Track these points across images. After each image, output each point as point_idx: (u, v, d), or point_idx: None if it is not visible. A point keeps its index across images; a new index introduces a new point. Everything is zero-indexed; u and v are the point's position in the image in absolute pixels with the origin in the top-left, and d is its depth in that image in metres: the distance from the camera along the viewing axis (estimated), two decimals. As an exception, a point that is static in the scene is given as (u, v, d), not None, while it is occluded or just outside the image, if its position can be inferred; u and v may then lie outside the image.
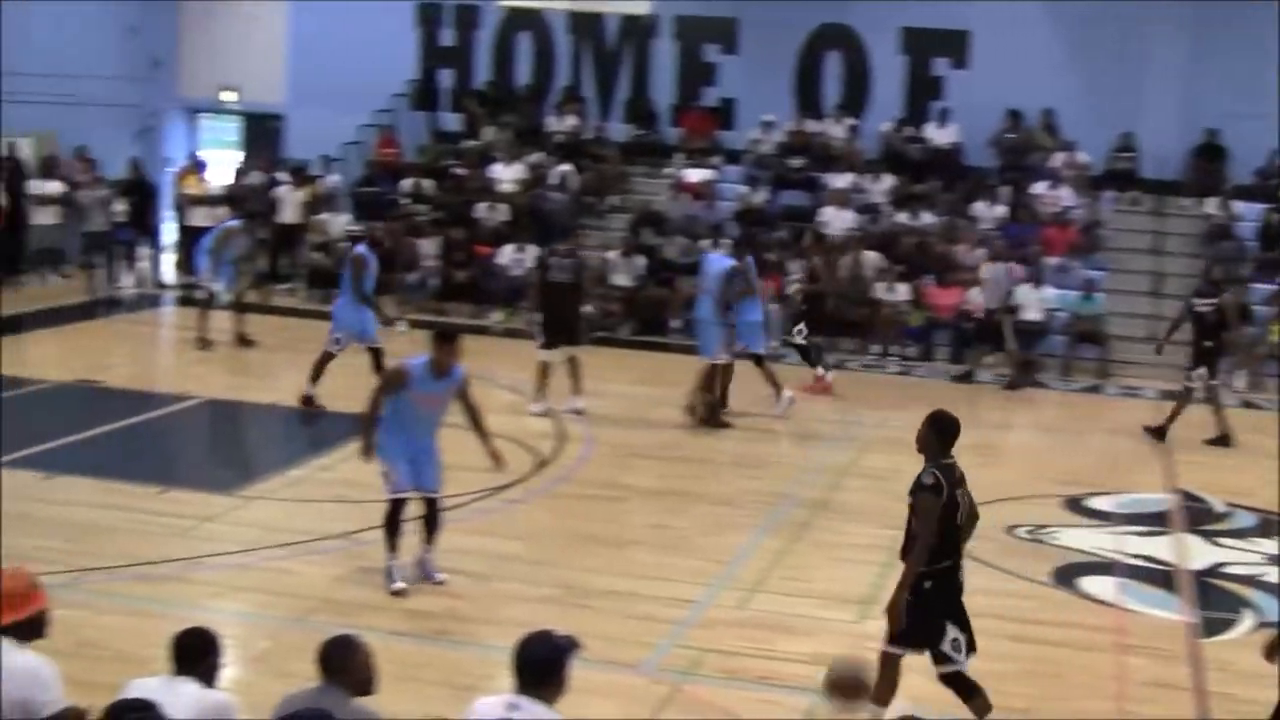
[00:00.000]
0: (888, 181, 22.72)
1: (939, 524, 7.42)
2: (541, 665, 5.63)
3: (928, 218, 21.77)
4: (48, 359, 17.41)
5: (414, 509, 10.07)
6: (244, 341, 18.29)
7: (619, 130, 24.93)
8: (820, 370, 17.59)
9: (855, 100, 24.17)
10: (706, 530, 11.91)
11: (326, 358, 15.25)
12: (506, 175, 23.37)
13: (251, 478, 12.62)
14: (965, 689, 7.68)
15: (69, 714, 5.82)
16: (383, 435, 9.76)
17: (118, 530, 10.94)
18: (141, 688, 5.66)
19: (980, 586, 8.90)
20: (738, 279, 15.55)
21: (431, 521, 10.09)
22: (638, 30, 24.49)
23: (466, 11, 25.63)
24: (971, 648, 7.67)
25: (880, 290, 20.14)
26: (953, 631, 7.62)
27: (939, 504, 7.42)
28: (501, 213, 22.18)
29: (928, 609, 7.54)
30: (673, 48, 24.99)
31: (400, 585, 9.82)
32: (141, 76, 26.11)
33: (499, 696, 5.63)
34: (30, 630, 5.91)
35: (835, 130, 23.78)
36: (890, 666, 7.63)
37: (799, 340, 17.77)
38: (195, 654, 5.91)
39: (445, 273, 21.71)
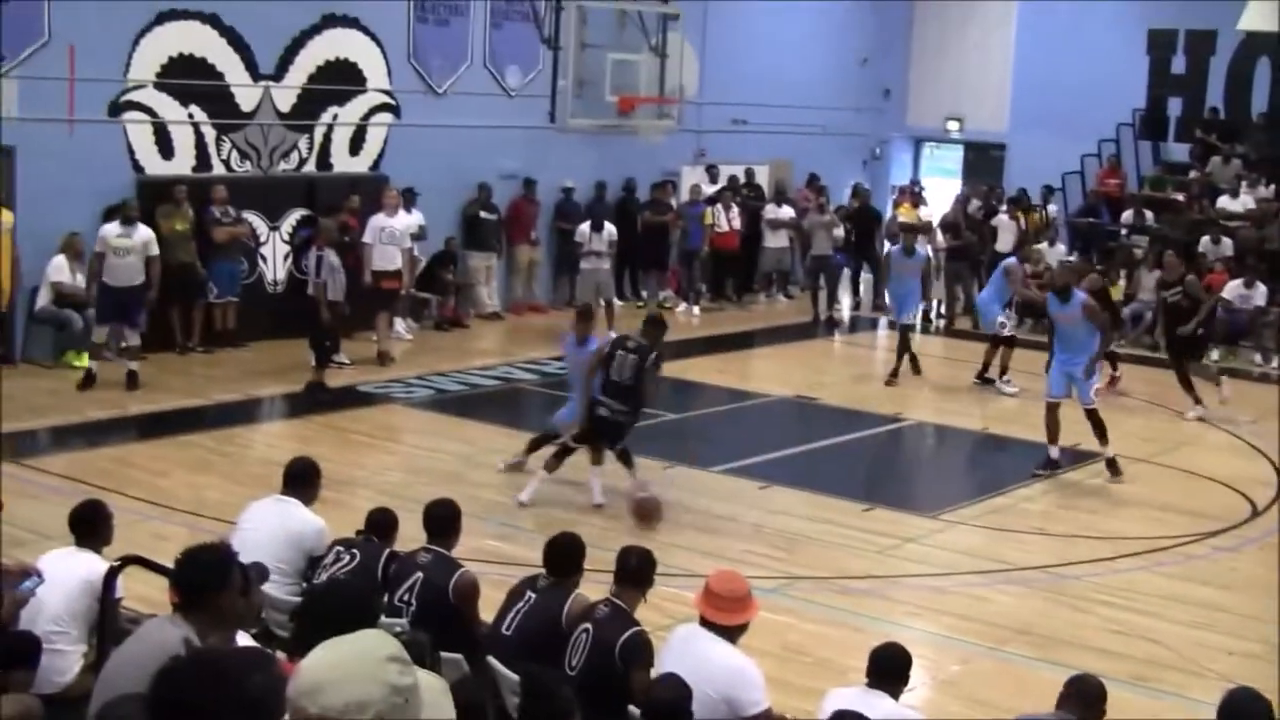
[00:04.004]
0: None
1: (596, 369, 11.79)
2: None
3: None
4: (771, 374, 18.44)
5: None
6: (991, 372, 17.64)
7: (1363, 161, 23.18)
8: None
9: None
10: None
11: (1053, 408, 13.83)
12: (1235, 207, 22.34)
13: (954, 502, 12.74)
14: (562, 453, 11.88)
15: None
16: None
17: (824, 542, 11.43)
18: (841, 697, 5.97)
19: None
20: None
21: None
22: (1393, 52, 22.66)
23: (1201, 37, 24.67)
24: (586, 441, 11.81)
25: None
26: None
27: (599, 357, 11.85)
28: (1226, 247, 21.20)
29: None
30: None
31: (601, 501, 11.73)
32: (871, 106, 27.13)
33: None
34: (735, 635, 6.41)
35: None
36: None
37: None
38: (892, 671, 6.16)
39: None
